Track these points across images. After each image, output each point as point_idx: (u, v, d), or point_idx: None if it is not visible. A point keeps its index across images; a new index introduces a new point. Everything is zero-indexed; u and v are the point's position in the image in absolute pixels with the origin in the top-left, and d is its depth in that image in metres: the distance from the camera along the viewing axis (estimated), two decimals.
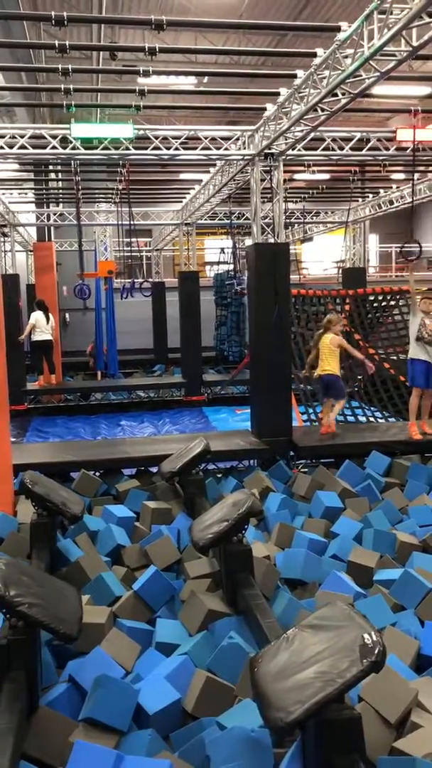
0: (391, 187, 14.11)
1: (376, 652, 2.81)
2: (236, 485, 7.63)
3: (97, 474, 7.90)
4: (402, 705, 3.66)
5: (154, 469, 8.12)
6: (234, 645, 4.31)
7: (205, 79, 17.17)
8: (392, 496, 7.33)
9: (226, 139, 8.53)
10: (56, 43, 5.92)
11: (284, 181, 12.49)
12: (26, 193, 16.00)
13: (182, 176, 14.60)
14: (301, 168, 11.49)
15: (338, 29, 5.45)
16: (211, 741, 3.52)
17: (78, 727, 3.63)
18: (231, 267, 16.46)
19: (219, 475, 8.19)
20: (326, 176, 14.27)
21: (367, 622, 3.06)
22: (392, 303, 11.81)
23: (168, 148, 8.31)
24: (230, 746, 3.39)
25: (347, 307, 11.29)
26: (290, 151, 8.34)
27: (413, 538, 6.22)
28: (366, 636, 2.91)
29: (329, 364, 8.42)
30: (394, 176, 13.58)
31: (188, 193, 14.15)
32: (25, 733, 3.54)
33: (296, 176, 13.79)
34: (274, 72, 8.42)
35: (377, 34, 4.85)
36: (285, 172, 12.70)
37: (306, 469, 8.35)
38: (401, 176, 13.79)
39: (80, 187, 11.29)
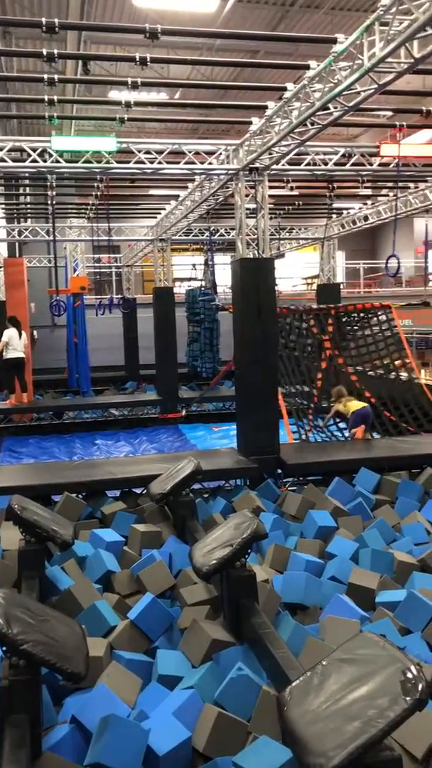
0: (365, 204, 14.18)
1: (420, 688, 2.64)
2: (225, 506, 7.43)
3: (81, 496, 7.62)
4: (428, 738, 3.50)
5: (139, 490, 7.89)
6: (244, 677, 4.10)
7: (177, 94, 17.19)
8: (384, 513, 7.21)
9: (210, 153, 8.41)
10: (44, 51, 5.72)
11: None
12: None
13: (154, 192, 14.47)
14: (277, 184, 11.45)
15: (334, 41, 5.37)
16: None
17: None
18: (204, 283, 16.34)
19: (206, 495, 7.97)
20: (297, 192, 14.31)
21: (405, 655, 2.89)
22: (369, 318, 11.82)
23: (151, 162, 8.15)
24: None
25: (330, 322, 11.24)
26: (274, 166, 8.25)
27: (411, 558, 6.10)
28: (407, 670, 2.74)
29: (356, 405, 9.60)
30: (363, 192, 13.67)
31: (163, 209, 14.00)
32: None
33: (270, 192, 13.77)
34: (263, 85, 8.37)
35: (378, 45, 4.78)
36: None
37: (294, 488, 8.20)
38: (369, 192, 13.90)
39: (54, 202, 11.05)
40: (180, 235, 15.73)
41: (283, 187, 11.19)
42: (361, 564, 6.02)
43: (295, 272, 28.28)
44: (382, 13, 4.64)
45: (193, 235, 17.16)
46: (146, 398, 15.98)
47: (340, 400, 9.74)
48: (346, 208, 15.32)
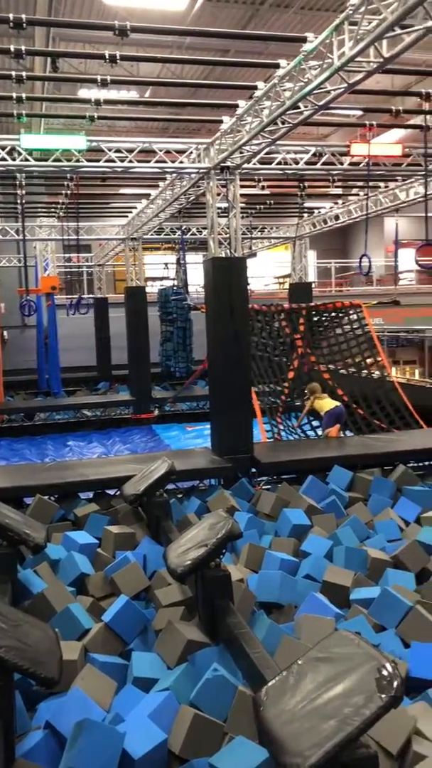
0: (337, 203, 14.27)
1: (395, 685, 2.65)
2: (200, 506, 7.42)
3: (53, 498, 7.54)
4: (403, 735, 3.52)
5: (112, 492, 7.83)
6: (219, 677, 4.09)
7: (147, 93, 17.11)
8: (358, 511, 7.25)
9: (181, 152, 8.38)
10: (11, 48, 5.64)
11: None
12: None
13: (125, 191, 14.40)
14: (248, 183, 11.46)
15: (304, 40, 5.37)
16: None
17: None
18: (176, 282, 16.30)
19: (180, 496, 7.94)
20: (268, 192, 14.34)
21: (380, 652, 2.90)
22: (340, 316, 11.89)
23: (122, 161, 8.08)
24: None
25: (301, 321, 11.28)
26: (245, 165, 8.25)
27: (384, 554, 6.14)
28: (381, 668, 2.74)
29: (329, 404, 9.73)
30: (333, 191, 13.75)
31: (134, 208, 13.93)
32: None
33: (241, 191, 13.79)
34: (233, 84, 8.35)
35: (348, 44, 4.79)
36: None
37: (268, 486, 8.21)
38: (340, 191, 13.98)
39: (23, 201, 10.92)
40: (152, 234, 15.67)
41: (254, 186, 11.20)
42: (336, 562, 6.05)
43: (268, 271, 28.34)
44: (351, 12, 4.65)
45: (165, 234, 17.10)
46: (119, 399, 15.90)
47: (315, 396, 9.77)
48: (317, 208, 15.39)
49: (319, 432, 10.48)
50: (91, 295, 20.79)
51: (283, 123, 6.55)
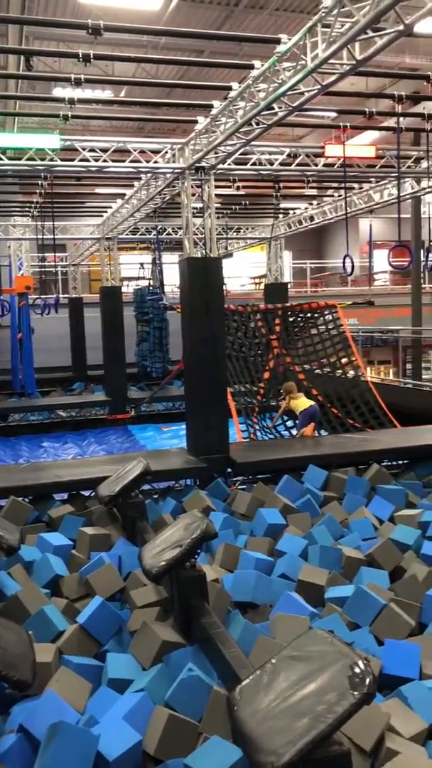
0: (311, 204, 14.34)
1: (367, 682, 2.68)
2: (175, 506, 7.41)
3: (27, 500, 7.48)
4: (376, 731, 3.56)
5: (87, 493, 7.79)
6: (194, 678, 4.09)
7: (122, 92, 17.05)
8: (332, 510, 7.30)
9: (155, 151, 8.36)
10: None
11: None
12: None
13: (100, 190, 14.31)
14: (223, 183, 11.48)
15: (278, 41, 5.40)
16: None
17: None
18: (152, 282, 16.26)
19: (156, 496, 7.93)
20: (244, 192, 14.37)
21: (353, 650, 2.92)
22: (315, 317, 11.96)
23: (96, 160, 8.04)
24: None
25: (277, 322, 11.32)
26: (220, 166, 8.26)
27: (359, 553, 6.19)
28: (354, 665, 2.77)
29: (304, 404, 9.74)
30: (308, 192, 13.83)
31: (109, 208, 13.87)
32: None
33: (217, 191, 13.81)
34: (208, 84, 8.36)
35: (321, 46, 4.83)
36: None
37: (244, 486, 8.23)
38: (315, 192, 14.06)
39: None
40: (127, 234, 15.61)
41: (229, 187, 11.21)
42: (310, 561, 6.08)
43: (244, 271, 28.40)
44: (324, 14, 4.68)
45: (141, 234, 17.04)
46: (94, 399, 15.81)
47: (290, 396, 9.83)
48: (293, 209, 15.46)
49: (295, 432, 10.53)
50: (65, 295, 20.66)
51: (257, 124, 6.57)
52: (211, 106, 7.11)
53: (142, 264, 19.26)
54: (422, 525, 6.85)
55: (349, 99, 15.64)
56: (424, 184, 10.31)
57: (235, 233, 18.20)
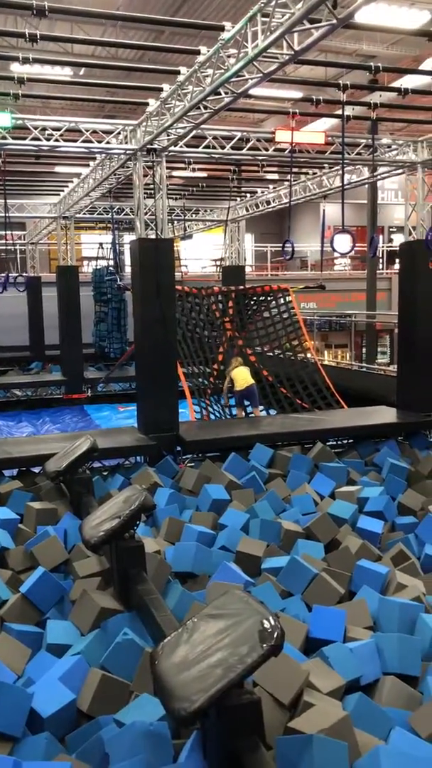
0: (268, 188, 14.48)
1: (275, 636, 2.90)
2: (123, 482, 7.58)
3: None
4: (295, 687, 3.79)
5: (37, 470, 7.91)
6: (128, 641, 4.29)
7: (81, 71, 16.88)
8: (276, 486, 7.56)
9: (108, 132, 8.41)
10: None
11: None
12: None
13: (58, 169, 14.24)
14: (182, 165, 11.55)
15: (222, 29, 5.52)
16: (109, 739, 3.49)
17: None
18: (111, 263, 16.26)
19: (105, 473, 8.08)
20: (205, 174, 14.44)
21: (265, 607, 3.15)
22: (269, 300, 12.17)
23: (48, 139, 8.07)
24: (129, 742, 3.38)
25: (230, 305, 11.50)
26: (172, 148, 8.36)
27: (297, 526, 6.45)
28: (264, 621, 2.99)
29: (247, 381, 10.02)
30: (270, 176, 13.97)
31: (66, 186, 13.82)
32: None
33: (176, 173, 13.87)
34: (157, 68, 8.38)
35: (261, 36, 4.97)
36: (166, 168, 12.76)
37: (193, 464, 8.44)
38: (276, 177, 14.20)
39: None
40: (85, 214, 15.56)
41: (184, 169, 11.29)
42: (251, 534, 6.32)
43: (206, 253, 28.43)
44: (263, 5, 4.83)
45: (98, 214, 17.00)
46: (50, 379, 15.81)
47: (236, 364, 10.22)
48: (251, 192, 15.58)
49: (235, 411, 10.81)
50: (24, 274, 20.48)
51: (205, 108, 6.69)
52: (161, 89, 7.20)
53: (101, 244, 19.20)
54: (361, 501, 7.16)
55: (313, 87, 15.71)
56: (383, 170, 10.50)
57: (194, 215, 18.25)
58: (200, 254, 27.63)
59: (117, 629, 4.49)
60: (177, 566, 5.64)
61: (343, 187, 7.76)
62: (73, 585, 5.33)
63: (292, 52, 5.00)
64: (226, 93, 6.20)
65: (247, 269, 28.86)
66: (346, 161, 9.21)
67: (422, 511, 7.08)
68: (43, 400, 14.92)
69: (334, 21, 4.39)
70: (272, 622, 2.96)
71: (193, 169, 11.14)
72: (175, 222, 17.72)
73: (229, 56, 5.62)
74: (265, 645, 2.87)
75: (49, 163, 13.26)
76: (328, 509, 6.68)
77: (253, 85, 5.76)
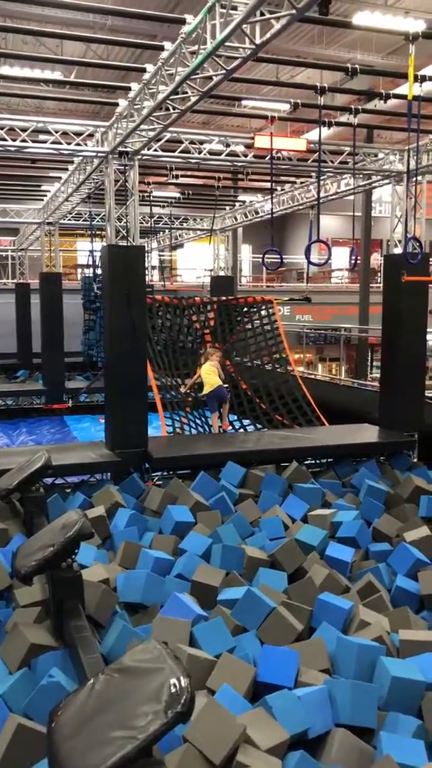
0: (257, 197, 14.16)
1: (182, 701, 2.53)
2: (84, 501, 7.19)
3: None
4: (228, 743, 3.40)
5: None
6: (54, 684, 3.90)
7: (72, 75, 16.63)
8: (246, 508, 7.17)
9: (78, 134, 8.07)
10: None
11: (149, 183, 12.25)
12: None
13: (39, 173, 13.94)
14: (165, 173, 11.21)
15: (183, 21, 5.19)
16: None
17: None
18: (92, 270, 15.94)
19: (68, 491, 7.70)
20: (196, 182, 14.11)
21: (179, 665, 2.76)
22: (252, 311, 11.80)
23: (14, 140, 7.73)
24: None
25: (211, 315, 11.13)
26: (152, 153, 8.04)
27: (262, 553, 6.06)
28: (174, 681, 2.60)
29: (216, 381, 9.71)
30: (257, 185, 13.64)
31: (49, 191, 13.50)
32: None
33: (164, 180, 13.53)
34: (128, 65, 8.06)
35: (219, 29, 4.63)
36: (154, 175, 12.43)
37: (161, 482, 8.05)
38: (265, 185, 13.88)
39: None
40: (70, 220, 15.24)
41: (166, 176, 10.96)
42: (212, 560, 5.93)
43: (201, 263, 28.16)
44: None
45: (83, 220, 16.69)
46: (30, 388, 15.44)
47: (209, 357, 9.96)
48: (241, 201, 15.25)
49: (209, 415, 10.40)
50: (14, 281, 20.20)
51: (173, 108, 6.35)
52: (129, 89, 6.87)
53: (91, 251, 18.87)
54: (334, 525, 6.77)
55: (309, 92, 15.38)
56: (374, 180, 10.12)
57: (183, 223, 17.92)
58: (195, 263, 27.36)
59: (46, 669, 4.11)
60: (125, 596, 5.25)
61: (318, 197, 7.44)
62: (12, 614, 4.93)
63: (254, 46, 4.66)
64: (192, 92, 5.85)
65: (243, 280, 28.62)
66: (328, 170, 8.87)
67: (397, 538, 6.67)
68: (22, 410, 14.54)
69: (294, 11, 4.04)
70: (182, 685, 2.58)
71: (176, 176, 10.79)
72: (165, 230, 17.41)
73: (192, 53, 5.28)
74: (170, 712, 2.49)
75: (37, 167, 12.97)
76: (296, 535, 6.28)
77: (218, 82, 5.41)
